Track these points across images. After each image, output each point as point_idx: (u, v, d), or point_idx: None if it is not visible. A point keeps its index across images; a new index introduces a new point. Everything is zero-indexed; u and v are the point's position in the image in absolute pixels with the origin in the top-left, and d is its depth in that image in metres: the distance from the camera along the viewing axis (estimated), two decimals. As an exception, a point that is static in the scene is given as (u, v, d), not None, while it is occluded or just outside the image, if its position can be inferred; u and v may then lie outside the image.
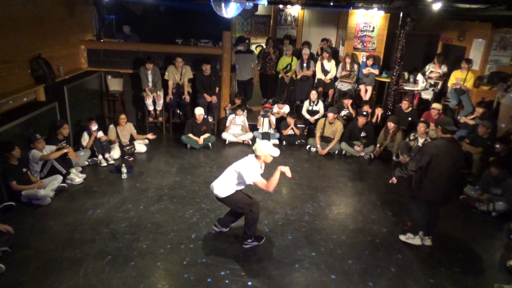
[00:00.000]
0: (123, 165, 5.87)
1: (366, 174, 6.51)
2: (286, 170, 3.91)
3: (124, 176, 5.82)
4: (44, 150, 5.37)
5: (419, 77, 8.37)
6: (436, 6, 5.60)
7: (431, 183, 4.13)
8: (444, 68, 8.12)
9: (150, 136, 6.87)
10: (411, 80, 8.61)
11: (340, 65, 8.62)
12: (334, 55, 9.17)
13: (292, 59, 8.64)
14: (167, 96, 7.46)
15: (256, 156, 3.99)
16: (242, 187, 4.14)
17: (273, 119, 7.68)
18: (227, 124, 7.56)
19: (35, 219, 4.67)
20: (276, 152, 3.97)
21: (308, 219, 4.97)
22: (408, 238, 4.55)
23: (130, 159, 6.48)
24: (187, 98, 7.49)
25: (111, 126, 6.61)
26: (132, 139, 6.83)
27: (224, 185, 4.08)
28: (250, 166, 3.95)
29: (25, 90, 5.59)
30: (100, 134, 6.39)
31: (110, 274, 3.78)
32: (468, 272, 4.13)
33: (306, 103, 8.02)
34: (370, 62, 8.41)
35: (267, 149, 3.96)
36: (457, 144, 4.35)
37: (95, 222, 4.64)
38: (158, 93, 7.46)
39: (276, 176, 3.89)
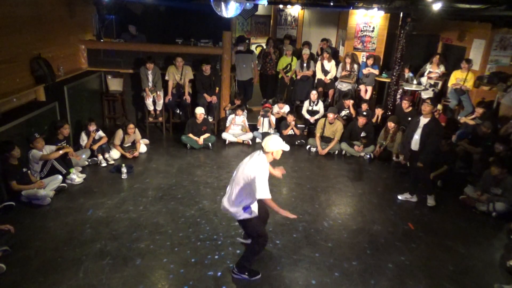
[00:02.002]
0: (123, 165, 5.87)
1: (366, 174, 6.51)
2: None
3: (124, 176, 5.82)
4: (44, 149, 5.36)
5: (410, 76, 8.39)
6: (436, 6, 5.60)
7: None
8: (441, 68, 8.13)
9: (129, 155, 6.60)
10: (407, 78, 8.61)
11: (340, 65, 8.62)
12: (334, 55, 9.17)
13: (292, 59, 8.64)
14: (167, 97, 7.46)
15: (265, 153, 3.56)
16: (254, 202, 3.70)
17: (273, 119, 7.68)
18: (227, 124, 7.56)
19: (35, 219, 4.67)
20: (287, 147, 3.62)
21: (308, 219, 4.97)
22: (406, 197, 5.53)
23: (133, 155, 6.51)
24: (187, 98, 7.49)
25: (120, 130, 6.53)
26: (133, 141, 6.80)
27: (237, 204, 3.62)
28: (261, 176, 3.42)
29: (25, 90, 5.59)
30: (99, 134, 6.38)
31: (110, 274, 3.78)
32: (468, 272, 4.13)
33: (306, 103, 8.02)
34: (370, 62, 8.41)
35: (278, 144, 3.54)
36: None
37: (95, 222, 4.64)
38: (158, 93, 7.45)
39: (277, 209, 3.53)
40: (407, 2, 6.53)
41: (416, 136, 5.25)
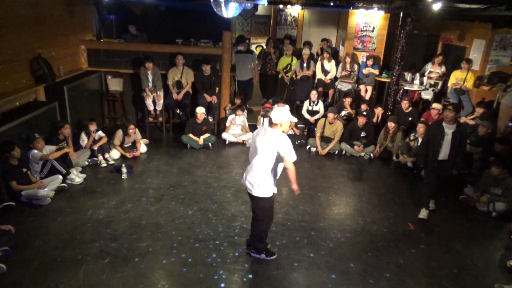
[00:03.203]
0: (123, 165, 5.87)
1: (366, 174, 6.51)
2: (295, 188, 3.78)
3: (124, 176, 5.82)
4: (44, 149, 5.36)
5: (416, 76, 8.38)
6: (436, 6, 5.60)
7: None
8: (442, 68, 8.13)
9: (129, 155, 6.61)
10: (409, 79, 8.62)
11: (340, 65, 8.63)
12: (334, 55, 9.17)
13: (292, 59, 8.65)
14: (172, 93, 7.42)
15: (273, 125, 3.68)
16: (277, 175, 3.80)
17: (273, 119, 7.67)
18: (227, 124, 7.56)
19: (35, 219, 4.67)
20: (294, 118, 3.80)
21: (308, 219, 4.97)
22: (425, 214, 5.10)
23: (132, 155, 6.51)
24: (175, 96, 7.43)
25: (120, 131, 6.54)
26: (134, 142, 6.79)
27: (263, 180, 3.69)
28: (286, 141, 3.58)
29: (25, 90, 5.59)
30: (99, 134, 6.38)
31: (110, 274, 3.78)
32: (468, 272, 4.13)
33: (306, 103, 8.02)
34: (370, 62, 8.41)
35: (286, 115, 3.65)
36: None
37: (95, 222, 4.64)
38: (158, 93, 7.45)
39: (293, 179, 3.69)
40: (407, 2, 6.52)
41: (446, 145, 4.88)
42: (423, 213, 5.09)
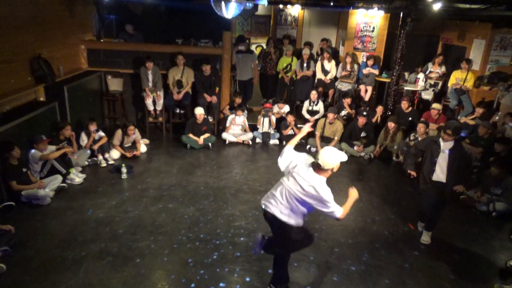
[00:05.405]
0: (123, 165, 5.87)
1: (366, 174, 6.51)
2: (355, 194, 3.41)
3: (124, 176, 5.82)
4: (44, 150, 5.36)
5: (420, 75, 8.37)
6: (436, 6, 5.61)
7: None
8: (442, 68, 8.13)
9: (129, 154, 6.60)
10: (411, 79, 8.62)
11: (340, 65, 8.63)
12: (334, 55, 9.17)
13: (292, 59, 8.64)
14: (172, 92, 7.42)
15: (323, 170, 3.08)
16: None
17: (273, 118, 7.68)
18: (227, 125, 7.56)
19: (35, 219, 4.67)
20: (345, 157, 3.14)
21: (308, 219, 4.94)
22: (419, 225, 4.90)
23: (132, 154, 6.50)
24: (175, 95, 7.44)
25: (119, 131, 6.53)
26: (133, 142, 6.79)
27: (291, 214, 3.27)
28: (330, 197, 3.10)
29: (25, 90, 5.59)
30: (99, 134, 6.38)
31: (110, 274, 3.78)
32: (468, 272, 4.14)
33: (306, 103, 8.02)
34: (370, 62, 8.41)
35: (337, 157, 3.06)
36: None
37: (95, 222, 4.64)
38: (158, 93, 7.45)
39: (349, 203, 3.31)
40: (407, 2, 6.54)
41: (441, 164, 4.36)
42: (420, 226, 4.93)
